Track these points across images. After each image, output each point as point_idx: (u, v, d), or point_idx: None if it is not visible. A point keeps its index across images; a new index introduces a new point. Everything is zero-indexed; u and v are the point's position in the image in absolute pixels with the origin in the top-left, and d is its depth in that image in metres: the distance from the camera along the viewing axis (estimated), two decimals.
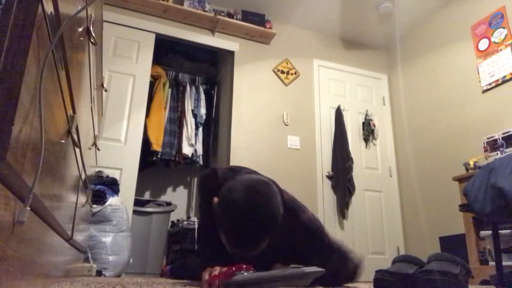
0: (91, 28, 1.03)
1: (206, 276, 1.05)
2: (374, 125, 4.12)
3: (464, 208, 2.00)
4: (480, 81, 3.27)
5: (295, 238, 1.29)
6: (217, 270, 1.04)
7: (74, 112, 0.90)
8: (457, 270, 1.14)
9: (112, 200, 2.43)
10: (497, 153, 2.90)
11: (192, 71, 4.33)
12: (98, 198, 2.38)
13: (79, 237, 1.49)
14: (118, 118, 3.17)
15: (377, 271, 1.22)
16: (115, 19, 3.37)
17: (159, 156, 3.65)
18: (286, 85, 3.92)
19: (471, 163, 2.87)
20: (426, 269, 1.16)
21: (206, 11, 3.65)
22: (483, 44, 3.30)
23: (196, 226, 3.35)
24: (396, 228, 3.86)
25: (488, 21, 3.28)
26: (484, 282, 2.27)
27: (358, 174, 3.80)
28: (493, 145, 2.98)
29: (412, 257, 1.28)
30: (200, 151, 3.92)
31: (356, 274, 1.30)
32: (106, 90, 2.22)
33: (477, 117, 3.22)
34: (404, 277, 1.19)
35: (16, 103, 0.45)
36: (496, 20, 3.21)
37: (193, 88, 4.11)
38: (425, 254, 1.35)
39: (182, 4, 3.59)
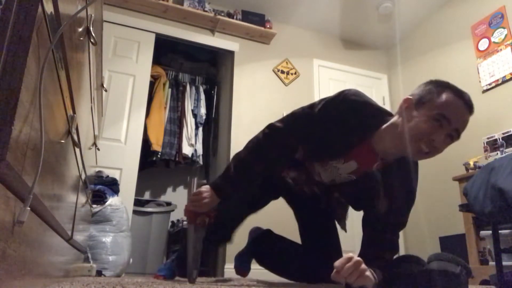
0: (91, 28, 1.03)
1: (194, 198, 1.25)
2: None
3: (464, 208, 2.00)
4: (480, 81, 3.26)
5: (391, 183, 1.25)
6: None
7: (74, 112, 0.90)
8: (458, 270, 1.14)
9: (112, 200, 2.43)
10: (497, 153, 2.89)
11: (192, 71, 4.33)
12: (98, 198, 2.38)
13: (79, 237, 1.49)
14: (118, 118, 3.16)
15: None
16: (115, 19, 3.37)
17: (159, 156, 3.65)
18: (286, 85, 3.92)
19: (471, 163, 2.86)
20: (427, 269, 1.16)
21: (206, 11, 3.65)
22: (483, 44, 3.29)
23: None
24: None
25: (488, 21, 3.28)
26: (484, 282, 2.27)
27: None
28: (493, 145, 2.97)
29: (414, 257, 1.29)
30: (200, 151, 3.92)
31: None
32: (106, 90, 2.22)
33: (477, 117, 3.19)
34: (405, 277, 1.19)
35: (16, 103, 0.45)
36: (496, 20, 3.21)
37: (193, 88, 4.11)
38: (425, 254, 1.35)
39: (182, 4, 3.59)
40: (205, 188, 1.25)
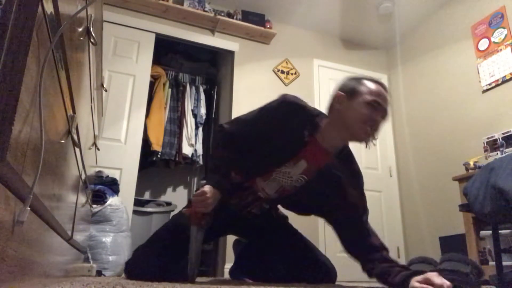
0: (91, 28, 1.03)
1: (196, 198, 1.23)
2: None
3: (464, 208, 2.00)
4: (480, 81, 3.26)
5: (342, 183, 1.34)
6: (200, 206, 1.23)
7: (74, 112, 0.90)
8: (468, 269, 1.17)
9: (112, 200, 2.43)
10: (497, 153, 2.89)
11: (192, 71, 4.33)
12: (98, 198, 2.38)
13: (79, 237, 1.49)
14: (118, 118, 3.16)
15: None
16: (115, 19, 3.37)
17: (159, 156, 3.64)
18: (286, 85, 3.92)
19: (471, 163, 2.86)
20: (439, 268, 1.18)
21: (206, 11, 3.65)
22: (483, 44, 3.29)
23: None
24: (396, 228, 3.85)
25: (488, 21, 3.28)
26: (484, 282, 2.27)
27: None
28: (493, 145, 2.97)
29: (429, 258, 1.32)
30: (200, 151, 3.91)
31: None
32: (106, 90, 2.23)
33: (477, 117, 3.22)
34: None
35: (16, 103, 0.45)
36: (496, 20, 3.21)
37: (193, 88, 4.11)
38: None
39: (182, 4, 3.59)
40: (207, 188, 1.24)
